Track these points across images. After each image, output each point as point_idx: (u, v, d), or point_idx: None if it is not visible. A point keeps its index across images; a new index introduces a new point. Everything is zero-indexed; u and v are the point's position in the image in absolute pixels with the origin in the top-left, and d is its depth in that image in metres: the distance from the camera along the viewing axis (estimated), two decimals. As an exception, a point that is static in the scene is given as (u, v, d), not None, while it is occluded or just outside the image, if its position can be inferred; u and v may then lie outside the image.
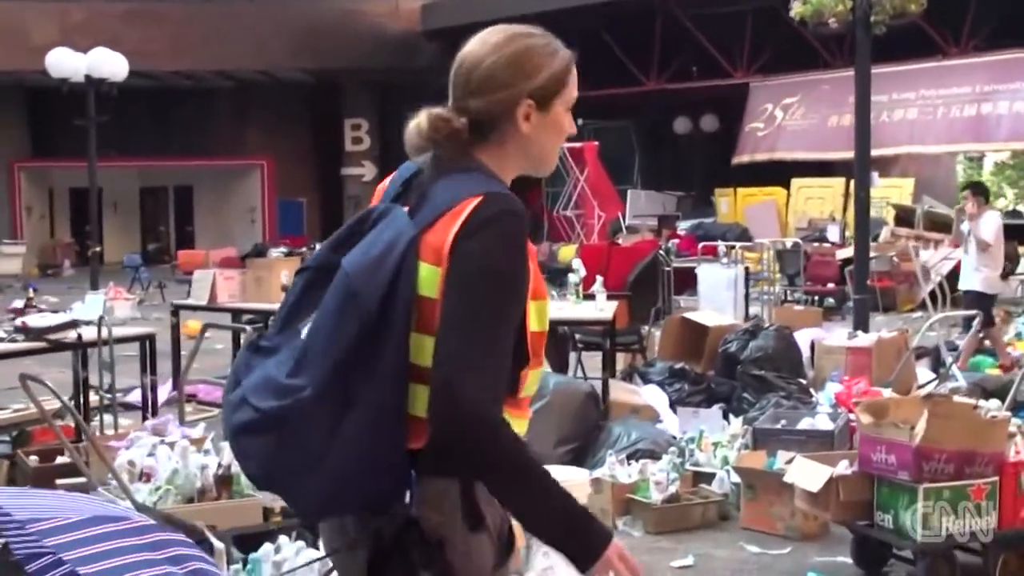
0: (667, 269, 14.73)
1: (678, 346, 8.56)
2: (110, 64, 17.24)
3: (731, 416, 7.19)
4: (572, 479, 5.07)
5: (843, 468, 4.75)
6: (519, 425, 2.05)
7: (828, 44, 21.87)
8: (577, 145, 23.85)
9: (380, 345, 1.95)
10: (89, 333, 7.18)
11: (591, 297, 8.06)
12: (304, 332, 2.06)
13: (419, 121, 2.12)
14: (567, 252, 20.26)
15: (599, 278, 8.18)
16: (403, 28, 28.97)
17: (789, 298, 16.68)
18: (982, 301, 9.64)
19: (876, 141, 21.55)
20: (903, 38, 12.55)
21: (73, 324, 6.83)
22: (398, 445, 1.95)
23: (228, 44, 28.47)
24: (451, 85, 2.16)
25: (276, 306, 7.44)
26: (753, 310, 14.05)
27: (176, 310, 9.71)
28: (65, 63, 17.19)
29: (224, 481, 4.77)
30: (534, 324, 2.03)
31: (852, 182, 20.17)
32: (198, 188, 34.35)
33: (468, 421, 1.89)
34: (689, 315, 8.77)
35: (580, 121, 20.83)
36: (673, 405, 7.71)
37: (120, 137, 32.34)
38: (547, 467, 1.99)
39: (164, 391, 9.55)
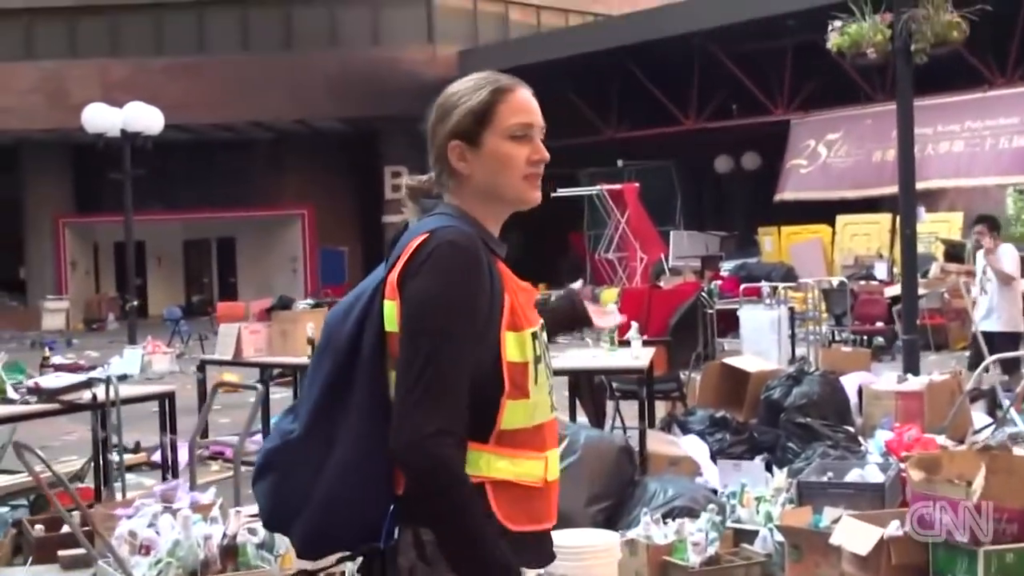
0: (709, 312, 14.39)
1: (718, 393, 8.20)
2: (145, 118, 17.27)
3: (775, 468, 6.81)
4: (599, 544, 4.73)
5: (894, 529, 4.38)
6: (511, 464, 2.08)
7: (870, 77, 21.50)
8: (617, 187, 23.60)
9: (355, 383, 2.07)
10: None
11: (627, 343, 7.75)
12: None
13: (406, 183, 2.31)
14: (608, 296, 19.92)
15: (634, 324, 7.85)
16: (440, 74, 28.83)
17: (837, 338, 16.26)
18: (1015, 340, 9.25)
19: (921, 175, 21.14)
20: (946, 69, 12.25)
21: (87, 384, 6.57)
22: (380, 479, 2.04)
23: (265, 95, 28.55)
24: None
25: (301, 359, 7.01)
26: (800, 352, 13.67)
27: (203, 365, 9.48)
28: (101, 118, 17.23)
29: (229, 552, 4.48)
30: (513, 354, 2.07)
31: (899, 218, 19.91)
32: (240, 239, 34.39)
33: (410, 456, 1.96)
34: (729, 360, 8.41)
35: (620, 163, 20.85)
36: (714, 456, 7.35)
37: (163, 190, 32.63)
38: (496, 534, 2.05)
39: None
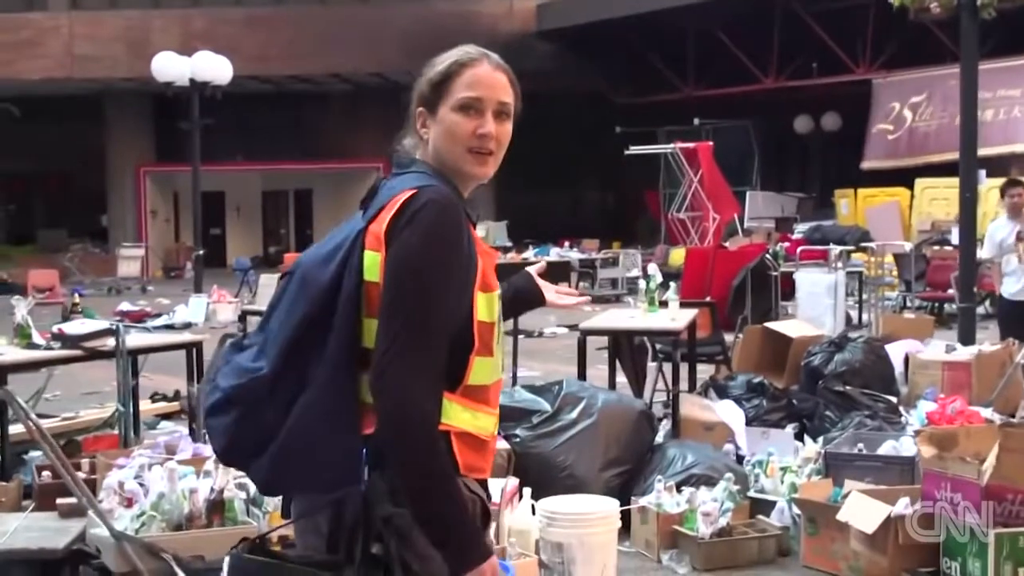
0: (774, 274, 14.05)
1: (759, 358, 7.96)
2: (214, 67, 17.24)
3: (807, 437, 6.58)
4: (596, 511, 4.57)
5: (903, 507, 4.15)
6: (472, 416, 2.14)
7: (956, 36, 20.77)
8: (690, 145, 23.18)
9: (327, 328, 2.10)
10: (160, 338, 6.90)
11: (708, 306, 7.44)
12: None
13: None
14: (677, 256, 19.65)
15: (672, 284, 7.63)
16: (517, 29, 28.60)
17: (909, 304, 15.83)
18: None
19: (1005, 138, 20.55)
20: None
21: (110, 332, 6.53)
22: (349, 426, 2.08)
23: (342, 47, 28.51)
24: None
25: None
26: (865, 318, 13.30)
27: (244, 315, 9.45)
28: (170, 67, 17.26)
29: (216, 507, 4.40)
30: (482, 314, 2.16)
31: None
32: (317, 191, 34.54)
33: (395, 412, 2.02)
34: (771, 325, 8.14)
35: (697, 121, 20.43)
36: (750, 423, 7.13)
37: (244, 141, 32.89)
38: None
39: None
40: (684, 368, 7.41)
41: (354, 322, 2.11)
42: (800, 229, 21.59)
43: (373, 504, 2.06)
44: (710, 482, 5.55)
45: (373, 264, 2.12)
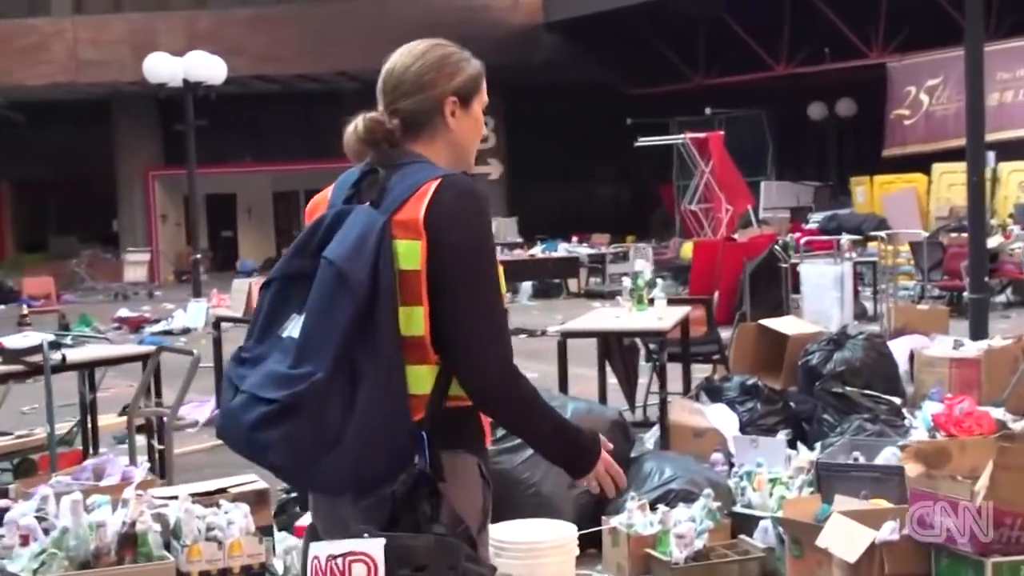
0: (784, 266, 13.55)
1: (754, 358, 7.49)
2: (207, 67, 16.83)
3: (800, 444, 6.11)
4: (548, 540, 4.12)
5: (888, 532, 3.68)
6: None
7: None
8: (701, 135, 22.66)
9: (374, 321, 2.15)
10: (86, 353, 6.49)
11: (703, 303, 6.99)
12: (287, 335, 2.22)
13: (355, 124, 2.35)
14: (688, 249, 19.15)
15: (659, 282, 7.17)
16: (523, 22, 28.16)
17: (927, 294, 15.30)
18: None
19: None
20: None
21: (54, 345, 6.11)
22: (406, 413, 2.17)
23: (349, 44, 28.09)
24: (380, 92, 2.42)
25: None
26: (882, 309, 12.76)
27: (218, 322, 9.05)
28: (161, 68, 16.89)
29: (127, 541, 3.98)
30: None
31: (997, 166, 18.68)
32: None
33: (499, 388, 2.24)
34: (766, 322, 7.67)
35: (709, 110, 19.89)
36: (743, 428, 6.67)
37: (253, 142, 32.61)
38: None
39: (207, 410, 8.93)
40: (679, 369, 6.95)
41: (394, 314, 2.18)
42: (815, 218, 21.05)
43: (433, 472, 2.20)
44: (689, 498, 5.10)
45: (410, 252, 2.20)
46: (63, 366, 6.20)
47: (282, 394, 2.14)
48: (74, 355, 6.40)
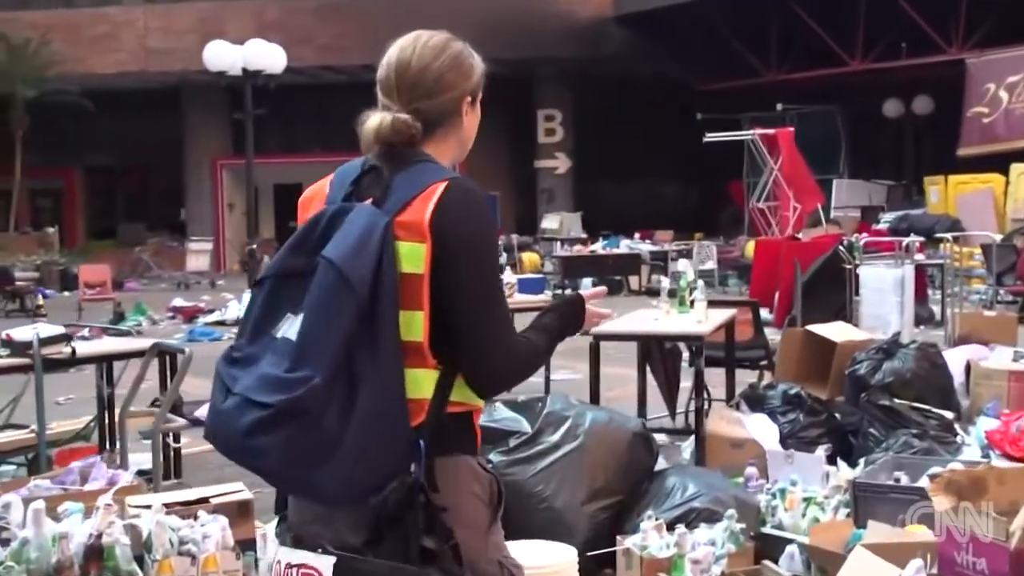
0: (848, 268, 13.04)
1: (801, 365, 7.07)
2: (266, 56, 16.68)
3: (840, 460, 5.71)
4: (544, 565, 3.78)
5: (915, 570, 3.30)
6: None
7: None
8: (770, 132, 22.11)
9: (376, 324, 2.10)
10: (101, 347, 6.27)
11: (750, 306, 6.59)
12: (281, 335, 2.14)
13: (382, 122, 2.28)
14: (751, 248, 18.67)
15: (700, 283, 6.79)
16: (593, 14, 27.78)
17: (999, 299, 14.70)
18: None
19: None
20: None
21: (65, 338, 5.90)
22: (405, 419, 2.12)
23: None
24: (391, 88, 2.34)
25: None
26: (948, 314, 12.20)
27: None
28: (220, 57, 16.78)
29: (93, 554, 3.72)
30: None
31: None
32: (393, 183, 34.11)
33: (508, 378, 2.31)
34: (814, 328, 7.25)
35: (780, 106, 19.36)
36: (784, 440, 6.28)
37: (321, 132, 32.57)
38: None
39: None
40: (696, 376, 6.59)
41: (396, 318, 2.13)
42: (886, 218, 20.45)
43: (427, 480, 2.14)
44: (712, 518, 4.72)
45: (413, 255, 2.16)
46: (72, 360, 5.99)
47: (278, 398, 2.05)
48: (86, 348, 6.18)
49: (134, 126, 32.03)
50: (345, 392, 2.07)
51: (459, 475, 2.23)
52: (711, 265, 20.40)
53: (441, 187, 2.19)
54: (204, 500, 4.07)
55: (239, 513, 4.03)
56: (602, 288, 2.82)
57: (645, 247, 21.18)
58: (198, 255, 24.89)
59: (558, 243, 22.64)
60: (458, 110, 2.36)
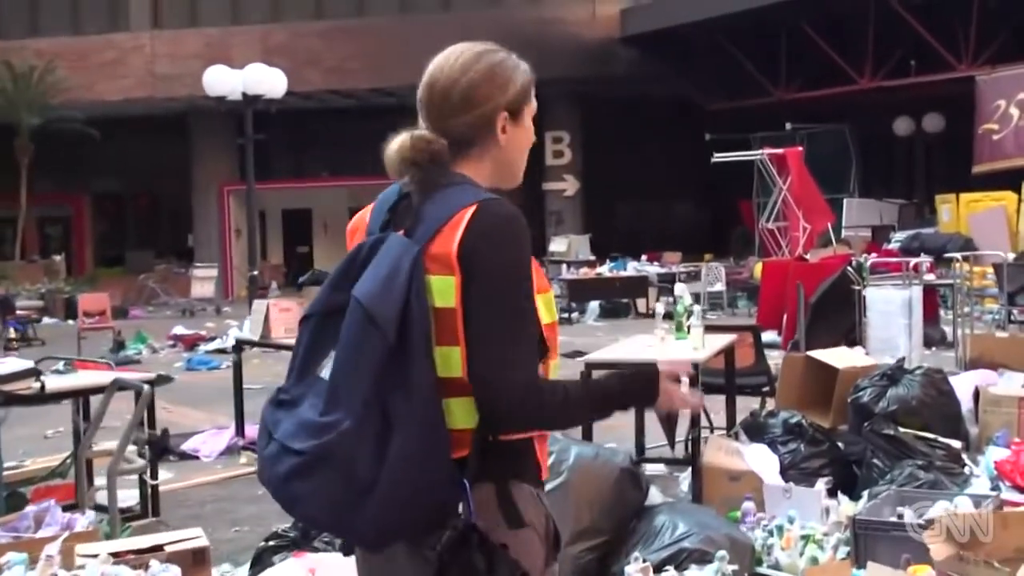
0: (857, 289, 12.76)
1: (803, 392, 6.81)
2: (267, 81, 16.53)
3: (856, 491, 5.47)
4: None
5: (912, 621, 3.04)
6: None
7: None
8: (779, 151, 21.87)
9: (407, 362, 2.03)
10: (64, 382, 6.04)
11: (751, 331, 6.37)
12: (323, 374, 2.13)
13: (402, 143, 2.19)
14: (758, 270, 18.39)
15: (696, 309, 6.54)
16: (600, 35, 27.61)
17: (1014, 319, 14.38)
18: None
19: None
20: None
21: (33, 372, 5.68)
22: (444, 458, 2.03)
23: (424, 58, 27.37)
24: (424, 106, 2.26)
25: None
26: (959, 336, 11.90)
27: (239, 345, 8.61)
28: (221, 81, 16.64)
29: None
30: (545, 316, 2.16)
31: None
32: (403, 207, 33.97)
33: (514, 416, 2.07)
34: (815, 353, 6.99)
35: (789, 126, 19.10)
36: (784, 471, 6.02)
37: (329, 157, 32.48)
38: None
39: (224, 439, 8.49)
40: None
41: (429, 354, 2.05)
42: (898, 238, 20.15)
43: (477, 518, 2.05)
44: (704, 559, 4.47)
45: (445, 289, 2.08)
46: (41, 395, 5.76)
47: (310, 445, 2.03)
48: (57, 383, 5.95)
49: (142, 152, 31.98)
50: (378, 434, 2.01)
51: (519, 501, 2.12)
52: (720, 287, 20.13)
53: (469, 213, 2.08)
54: (158, 548, 3.84)
55: (194, 562, 3.80)
56: (684, 361, 2.55)
57: (652, 269, 20.91)
58: (203, 282, 24.70)
59: (564, 266, 22.40)
60: (491, 125, 2.21)
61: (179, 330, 17.35)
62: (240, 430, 8.46)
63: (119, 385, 5.30)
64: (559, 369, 2.24)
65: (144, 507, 6.41)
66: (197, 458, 8.23)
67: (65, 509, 5.38)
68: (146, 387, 4.90)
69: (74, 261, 32.74)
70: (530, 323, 2.10)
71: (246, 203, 17.50)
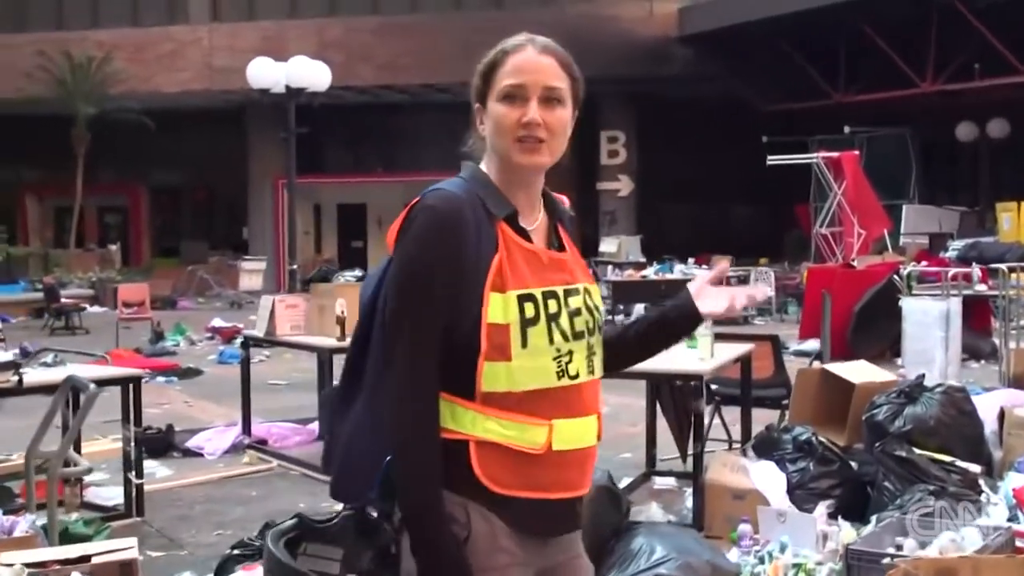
0: (900, 297, 12.34)
1: (818, 407, 6.47)
2: (310, 74, 16.35)
3: (867, 516, 5.14)
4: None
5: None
6: (500, 426, 2.06)
7: None
8: (833, 155, 21.37)
9: (372, 342, 2.16)
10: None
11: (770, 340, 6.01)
12: None
13: None
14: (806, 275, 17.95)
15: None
16: (657, 34, 27.21)
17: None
18: None
19: None
20: None
21: (12, 366, 5.52)
22: (378, 443, 2.10)
23: (477, 55, 27.43)
24: None
25: (333, 341, 6.78)
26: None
27: (246, 342, 8.43)
28: (264, 73, 16.51)
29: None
30: (494, 316, 2.06)
31: None
32: (456, 203, 33.87)
33: (398, 446, 2.07)
34: (831, 367, 6.64)
35: (848, 129, 18.59)
36: (792, 491, 5.71)
37: (385, 151, 32.41)
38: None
39: (229, 437, 8.31)
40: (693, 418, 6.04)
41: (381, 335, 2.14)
42: (955, 246, 19.55)
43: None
44: (681, 587, 4.17)
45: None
46: (19, 389, 5.60)
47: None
48: (37, 377, 5.80)
49: (199, 144, 32.17)
50: (349, 400, 2.17)
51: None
52: (770, 292, 19.70)
53: (410, 205, 2.14)
54: (85, 559, 3.62)
55: (120, 575, 3.57)
56: (724, 266, 2.40)
57: (700, 272, 20.51)
58: (251, 274, 24.69)
59: (610, 267, 22.09)
60: (474, 122, 2.26)
61: (217, 322, 17.30)
62: (246, 428, 8.28)
63: (71, 383, 5.11)
64: (520, 373, 2.07)
65: (128, 507, 6.25)
66: (201, 455, 8.07)
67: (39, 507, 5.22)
68: (93, 386, 4.70)
69: (131, 251, 33.00)
70: (418, 332, 2.05)
71: (304, 196, 17.33)
